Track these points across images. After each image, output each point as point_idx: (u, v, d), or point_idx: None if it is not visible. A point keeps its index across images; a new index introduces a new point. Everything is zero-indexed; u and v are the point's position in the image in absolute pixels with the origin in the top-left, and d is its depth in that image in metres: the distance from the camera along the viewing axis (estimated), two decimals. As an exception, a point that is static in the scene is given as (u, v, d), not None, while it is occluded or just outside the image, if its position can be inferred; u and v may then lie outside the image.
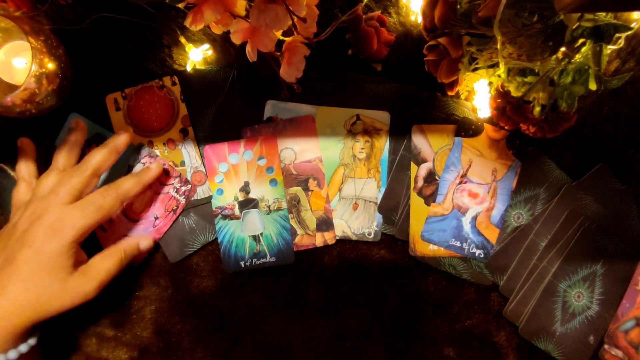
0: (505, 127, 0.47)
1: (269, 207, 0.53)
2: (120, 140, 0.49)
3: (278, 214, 0.53)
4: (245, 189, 0.53)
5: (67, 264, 0.44)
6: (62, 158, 0.48)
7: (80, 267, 0.45)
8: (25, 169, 0.49)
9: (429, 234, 0.52)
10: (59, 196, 0.45)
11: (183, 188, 0.52)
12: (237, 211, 0.53)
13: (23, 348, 0.44)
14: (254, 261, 0.53)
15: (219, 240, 0.53)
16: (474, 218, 0.53)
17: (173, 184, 0.52)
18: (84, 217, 0.44)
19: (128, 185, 0.48)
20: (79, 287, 0.45)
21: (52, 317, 0.44)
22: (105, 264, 0.47)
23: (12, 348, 0.43)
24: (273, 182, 0.53)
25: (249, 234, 0.53)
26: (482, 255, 0.52)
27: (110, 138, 0.49)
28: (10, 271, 0.42)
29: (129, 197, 0.48)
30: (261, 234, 0.53)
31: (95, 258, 0.47)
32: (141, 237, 0.51)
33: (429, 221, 0.53)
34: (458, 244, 0.52)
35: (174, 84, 0.52)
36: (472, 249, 0.52)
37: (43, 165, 0.52)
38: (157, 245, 0.53)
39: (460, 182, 0.52)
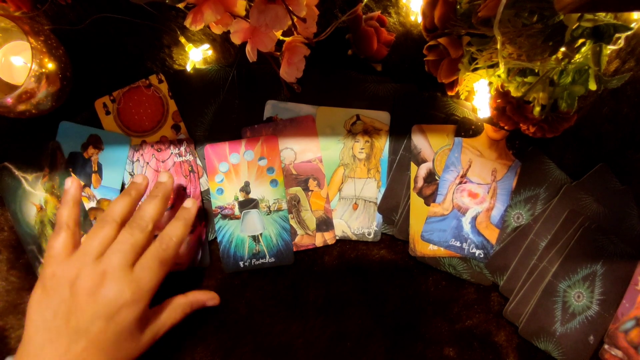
0: (505, 127, 0.47)
1: (269, 207, 0.53)
2: (168, 186, 0.48)
3: (278, 214, 0.53)
4: (245, 189, 0.53)
5: (142, 326, 0.43)
6: (120, 209, 0.45)
7: (150, 323, 0.45)
8: (70, 216, 0.45)
9: (429, 234, 0.52)
10: (126, 257, 0.42)
11: (182, 148, 0.52)
12: (237, 211, 0.53)
13: None
14: (253, 261, 0.53)
15: (218, 240, 0.53)
16: (474, 218, 0.53)
17: (172, 152, 0.52)
18: (154, 277, 0.43)
19: (180, 231, 0.46)
20: (149, 340, 0.44)
21: None
22: (171, 317, 0.46)
23: None
24: (274, 182, 0.53)
25: (249, 234, 0.53)
26: (482, 256, 0.52)
27: (156, 186, 0.48)
28: (88, 346, 0.40)
29: (183, 241, 0.47)
30: (261, 234, 0.53)
31: (165, 313, 0.46)
32: (208, 294, 0.51)
33: (429, 221, 0.53)
34: (458, 244, 0.52)
35: (160, 81, 0.52)
36: (472, 249, 0.52)
37: (43, 165, 0.52)
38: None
39: (460, 182, 0.52)
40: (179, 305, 0.47)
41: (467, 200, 0.53)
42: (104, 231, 0.43)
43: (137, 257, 0.43)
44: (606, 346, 0.51)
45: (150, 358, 0.53)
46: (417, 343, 0.54)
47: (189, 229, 0.48)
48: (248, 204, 0.53)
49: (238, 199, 0.53)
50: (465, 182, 0.52)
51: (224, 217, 0.53)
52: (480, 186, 0.52)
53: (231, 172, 0.53)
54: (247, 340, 0.53)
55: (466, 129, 0.53)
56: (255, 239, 0.53)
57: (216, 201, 0.53)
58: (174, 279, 0.54)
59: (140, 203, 0.47)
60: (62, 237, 0.44)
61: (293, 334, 0.53)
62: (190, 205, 0.48)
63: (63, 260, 0.43)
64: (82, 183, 0.49)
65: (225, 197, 0.53)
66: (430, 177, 0.53)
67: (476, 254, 0.52)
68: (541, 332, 0.51)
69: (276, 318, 0.54)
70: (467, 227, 0.52)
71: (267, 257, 0.53)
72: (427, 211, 0.53)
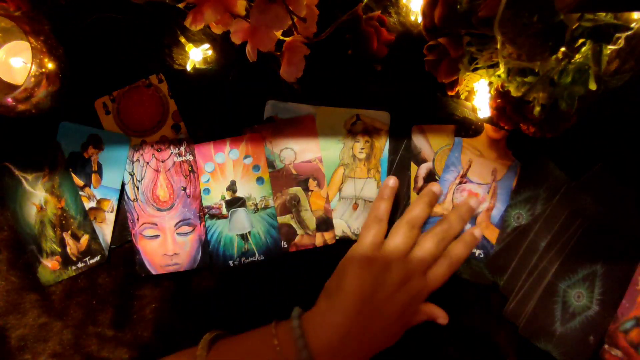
0: (505, 127, 0.47)
1: (256, 205, 0.53)
2: (473, 208, 0.51)
3: (265, 212, 0.53)
4: (231, 187, 0.53)
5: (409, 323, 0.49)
6: (421, 215, 0.49)
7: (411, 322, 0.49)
8: (386, 208, 0.50)
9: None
10: (426, 266, 0.48)
11: (182, 148, 0.52)
12: (224, 210, 0.53)
13: None
14: (242, 260, 0.53)
15: (207, 240, 0.53)
16: (474, 218, 0.53)
17: (172, 152, 0.52)
18: (438, 286, 0.48)
19: (465, 255, 0.50)
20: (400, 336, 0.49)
21: None
22: (417, 320, 0.49)
23: None
24: (260, 180, 0.53)
25: (237, 232, 0.53)
26: (482, 255, 0.52)
27: (465, 203, 0.51)
28: (383, 326, 0.46)
29: (463, 262, 0.50)
30: (249, 232, 0.53)
31: (418, 316, 0.49)
32: (442, 312, 0.50)
33: (429, 221, 0.53)
34: None
35: (160, 81, 0.52)
36: None
37: (43, 165, 0.52)
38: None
39: (461, 182, 0.52)
40: (424, 313, 0.49)
41: None
42: (412, 233, 0.49)
43: (430, 267, 0.48)
44: (606, 346, 0.51)
45: (151, 358, 0.53)
46: (417, 343, 0.54)
47: (469, 254, 0.50)
48: (235, 202, 0.53)
49: (225, 198, 0.53)
50: (465, 182, 0.52)
51: (212, 216, 0.53)
52: (480, 186, 0.52)
53: (217, 171, 0.53)
54: (247, 340, 0.53)
55: (466, 128, 0.53)
56: (243, 237, 0.53)
57: (203, 201, 0.53)
58: (174, 279, 0.54)
59: (448, 215, 0.51)
60: (380, 227, 0.49)
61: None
62: (478, 235, 0.51)
63: (377, 248, 0.48)
64: (397, 180, 0.52)
65: (212, 196, 0.53)
66: (430, 177, 0.53)
67: (476, 254, 0.52)
68: (541, 332, 0.51)
69: (276, 318, 0.54)
70: (467, 227, 0.52)
71: (257, 255, 0.53)
72: None
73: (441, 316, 0.49)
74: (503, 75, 0.43)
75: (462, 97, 0.51)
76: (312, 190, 0.54)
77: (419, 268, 0.47)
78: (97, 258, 0.53)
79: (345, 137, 0.54)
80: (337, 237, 0.54)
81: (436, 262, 0.49)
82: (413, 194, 0.53)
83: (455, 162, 0.53)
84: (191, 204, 0.53)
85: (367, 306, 0.45)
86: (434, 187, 0.51)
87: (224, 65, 0.53)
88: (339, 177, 0.54)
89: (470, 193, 0.52)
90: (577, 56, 0.40)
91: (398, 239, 0.48)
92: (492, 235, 0.53)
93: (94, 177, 0.53)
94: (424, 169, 0.53)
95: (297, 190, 0.54)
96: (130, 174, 0.53)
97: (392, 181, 0.51)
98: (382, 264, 0.46)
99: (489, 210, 0.53)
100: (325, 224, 0.54)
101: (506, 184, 0.52)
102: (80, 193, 0.53)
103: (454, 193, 0.53)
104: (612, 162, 0.52)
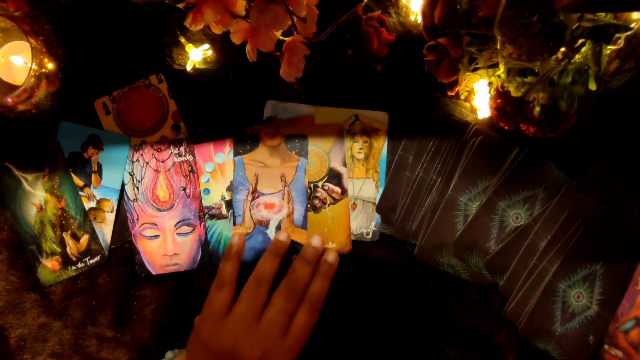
0: (506, 127, 0.47)
1: None
2: (320, 251, 0.50)
3: None
4: (231, 188, 0.53)
5: None
6: (270, 270, 0.48)
7: None
8: (232, 270, 0.48)
9: (244, 256, 0.52)
10: (283, 329, 0.45)
11: (181, 148, 0.52)
12: (224, 210, 0.53)
13: None
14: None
15: (207, 240, 0.53)
16: (278, 227, 0.53)
17: (172, 152, 0.52)
18: (303, 343, 0.47)
19: (325, 291, 0.48)
20: None
21: None
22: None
23: None
24: None
25: None
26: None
27: (308, 249, 0.49)
28: None
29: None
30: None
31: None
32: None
33: None
34: None
35: (160, 81, 0.52)
36: (287, 255, 0.52)
37: (43, 165, 0.52)
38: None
39: (253, 198, 0.52)
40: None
41: (266, 213, 0.53)
42: (258, 293, 0.46)
43: (290, 321, 0.46)
44: (606, 346, 0.51)
45: (150, 359, 0.53)
46: (417, 343, 0.54)
47: (330, 283, 0.49)
48: (242, 203, 0.53)
49: (225, 198, 0.53)
50: (258, 197, 0.52)
51: (212, 217, 0.53)
52: (273, 195, 0.53)
53: (217, 171, 0.53)
54: (247, 340, 0.53)
55: (242, 144, 0.52)
56: None
57: (203, 201, 0.53)
58: (174, 279, 0.54)
59: (294, 264, 0.49)
60: (224, 294, 0.46)
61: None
62: (333, 261, 0.49)
63: (221, 319, 0.45)
64: (244, 236, 0.51)
65: (212, 197, 0.53)
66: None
67: (292, 259, 0.51)
68: (541, 332, 0.51)
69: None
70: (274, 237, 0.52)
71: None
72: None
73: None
74: (503, 76, 0.43)
75: (462, 97, 0.51)
76: (312, 191, 0.54)
77: (273, 332, 0.45)
78: (97, 258, 0.53)
79: (344, 137, 0.54)
80: (337, 237, 0.54)
81: (296, 313, 0.46)
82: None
83: (242, 181, 0.52)
84: (191, 204, 0.53)
85: None
86: (280, 235, 0.50)
87: (224, 65, 0.53)
88: (339, 177, 0.54)
89: (265, 205, 0.52)
90: (577, 56, 0.40)
91: (243, 305, 0.45)
92: (302, 237, 0.53)
93: (93, 177, 0.53)
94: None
95: (297, 190, 0.54)
96: (130, 174, 0.53)
97: (236, 239, 0.49)
98: (224, 346, 0.44)
99: (290, 215, 0.53)
100: (325, 224, 0.54)
101: (298, 185, 0.53)
102: (80, 193, 0.53)
103: (250, 210, 0.52)
104: (612, 162, 0.52)
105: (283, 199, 0.52)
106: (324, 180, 0.53)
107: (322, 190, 0.52)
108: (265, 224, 0.53)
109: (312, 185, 0.53)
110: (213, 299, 0.46)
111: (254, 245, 0.53)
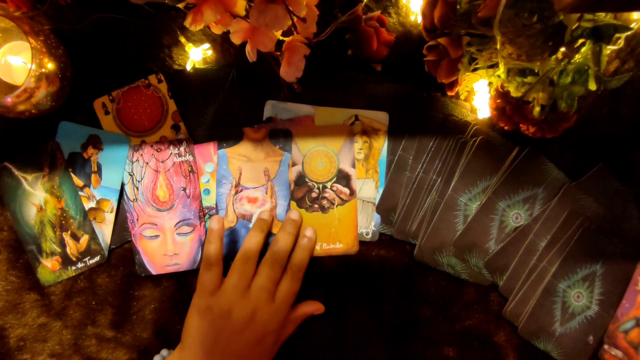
0: (505, 127, 0.47)
1: None
2: (299, 223, 0.52)
3: None
4: None
5: (277, 343, 0.50)
6: (256, 245, 0.50)
7: (279, 339, 0.51)
8: (217, 250, 0.50)
9: (224, 249, 0.52)
10: (270, 293, 0.49)
11: (181, 148, 0.52)
12: None
13: None
14: None
15: None
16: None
17: (171, 152, 0.52)
18: (290, 307, 0.50)
19: (306, 260, 0.51)
20: (274, 354, 0.51)
21: None
22: (288, 331, 0.51)
23: None
24: None
25: None
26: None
27: (288, 223, 0.52)
28: None
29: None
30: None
31: (285, 329, 0.51)
32: (314, 305, 0.53)
33: None
34: None
35: (160, 81, 0.52)
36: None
37: (43, 165, 0.52)
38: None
39: (237, 192, 0.52)
40: (295, 319, 0.52)
41: (249, 207, 0.53)
42: (247, 268, 0.49)
43: (276, 287, 0.50)
44: (606, 346, 0.51)
45: (150, 359, 0.53)
46: (417, 343, 0.54)
47: (312, 253, 0.52)
48: (243, 203, 0.53)
49: None
50: (241, 190, 0.52)
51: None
52: (256, 189, 0.53)
53: (217, 172, 0.53)
54: (247, 340, 0.53)
55: (226, 138, 0.53)
56: None
57: (204, 202, 0.53)
58: (174, 279, 0.54)
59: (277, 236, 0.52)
60: (213, 272, 0.49)
61: (293, 334, 0.53)
62: (311, 235, 0.52)
63: (214, 293, 0.49)
64: (223, 219, 0.52)
65: (213, 197, 0.53)
66: (301, 180, 0.53)
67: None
68: (540, 332, 0.51)
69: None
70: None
71: None
72: (303, 212, 0.53)
73: (315, 308, 0.52)
74: (503, 76, 0.43)
75: (462, 97, 0.51)
76: (311, 191, 0.54)
77: (262, 296, 0.48)
78: (97, 258, 0.53)
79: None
80: (337, 237, 0.54)
81: (280, 281, 0.50)
82: (292, 204, 0.54)
83: (225, 175, 0.53)
84: (191, 204, 0.53)
85: (212, 355, 0.47)
86: (263, 214, 0.52)
87: (224, 65, 0.53)
88: (339, 177, 0.54)
89: (249, 199, 0.52)
90: (577, 56, 0.40)
91: (233, 278, 0.49)
92: None
93: (93, 177, 0.53)
94: (294, 172, 0.53)
95: (296, 190, 0.54)
96: (130, 174, 0.53)
97: (215, 223, 0.50)
98: (220, 310, 0.48)
99: (273, 209, 0.53)
100: (324, 224, 0.54)
101: (282, 179, 0.53)
102: (80, 193, 0.53)
103: (233, 204, 0.53)
104: (612, 162, 0.52)
105: (266, 193, 0.52)
106: (332, 181, 0.53)
107: (330, 191, 0.52)
108: (248, 218, 0.53)
109: (320, 186, 0.53)
110: (204, 278, 0.49)
111: (237, 239, 0.53)
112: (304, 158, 0.53)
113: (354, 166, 0.53)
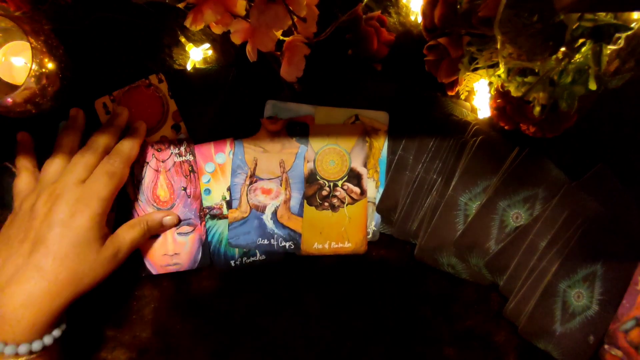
0: (506, 127, 0.47)
1: None
2: (123, 118, 0.51)
3: None
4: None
5: (98, 236, 0.45)
6: (68, 142, 0.49)
7: (108, 236, 0.47)
8: (26, 160, 0.50)
9: (236, 240, 0.52)
10: (75, 174, 0.46)
11: (182, 148, 0.52)
12: (225, 211, 0.53)
13: (47, 340, 0.43)
14: (244, 260, 0.53)
15: (208, 240, 0.53)
16: (274, 213, 0.53)
17: (172, 152, 0.52)
18: (104, 188, 0.46)
19: (127, 146, 0.49)
20: (110, 256, 0.46)
21: (87, 292, 0.45)
22: (130, 233, 0.48)
23: (46, 334, 0.43)
24: None
25: None
26: (292, 247, 0.52)
27: (111, 117, 0.51)
28: (44, 252, 0.43)
29: (132, 159, 0.49)
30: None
31: (121, 228, 0.48)
32: (167, 212, 0.52)
33: (232, 227, 0.52)
34: (266, 241, 0.53)
35: (160, 81, 0.52)
36: (281, 243, 0.52)
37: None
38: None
39: (251, 183, 0.52)
40: (135, 223, 0.49)
41: (262, 198, 0.53)
42: (55, 159, 0.47)
43: (88, 174, 0.46)
44: (606, 346, 0.51)
45: (150, 358, 0.53)
46: (417, 343, 0.54)
47: (138, 146, 0.50)
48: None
49: (226, 198, 0.53)
50: (256, 181, 0.52)
51: (213, 217, 0.53)
52: (271, 181, 0.53)
53: (217, 172, 0.53)
54: (247, 340, 0.53)
55: (243, 128, 0.53)
56: None
57: (204, 202, 0.53)
58: (174, 279, 0.54)
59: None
60: (23, 177, 0.48)
61: (293, 334, 0.53)
62: (139, 126, 0.51)
63: (27, 195, 0.46)
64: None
65: (213, 197, 0.53)
66: (312, 177, 0.53)
67: (287, 247, 0.52)
68: (541, 332, 0.51)
69: (276, 318, 0.54)
70: (269, 223, 0.52)
71: (258, 255, 0.53)
72: (313, 210, 0.53)
73: (164, 215, 0.51)
74: (503, 75, 0.44)
75: (462, 97, 0.51)
76: (312, 190, 0.54)
77: (68, 179, 0.45)
78: (97, 258, 0.53)
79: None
80: (337, 237, 0.54)
81: (96, 167, 0.47)
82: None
83: (240, 165, 0.52)
84: (192, 204, 0.53)
85: (24, 247, 0.43)
86: (118, 109, 0.51)
87: (224, 65, 0.53)
88: (339, 177, 0.54)
89: (263, 190, 0.52)
90: (577, 56, 0.40)
91: (49, 168, 0.47)
92: (297, 224, 0.53)
93: (93, 177, 0.53)
94: (306, 169, 0.53)
95: (297, 190, 0.54)
96: (130, 174, 0.53)
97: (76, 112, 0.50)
98: (28, 202, 0.45)
99: (287, 201, 0.53)
100: (325, 224, 0.54)
101: (297, 172, 0.53)
102: (80, 193, 0.53)
103: (247, 195, 0.52)
104: (612, 162, 0.52)
105: (281, 185, 0.52)
106: (344, 179, 0.53)
107: (341, 190, 0.52)
108: (261, 209, 0.53)
109: (331, 184, 0.53)
110: (16, 183, 0.48)
111: (249, 230, 0.53)
112: (316, 155, 0.53)
113: (365, 165, 0.53)
